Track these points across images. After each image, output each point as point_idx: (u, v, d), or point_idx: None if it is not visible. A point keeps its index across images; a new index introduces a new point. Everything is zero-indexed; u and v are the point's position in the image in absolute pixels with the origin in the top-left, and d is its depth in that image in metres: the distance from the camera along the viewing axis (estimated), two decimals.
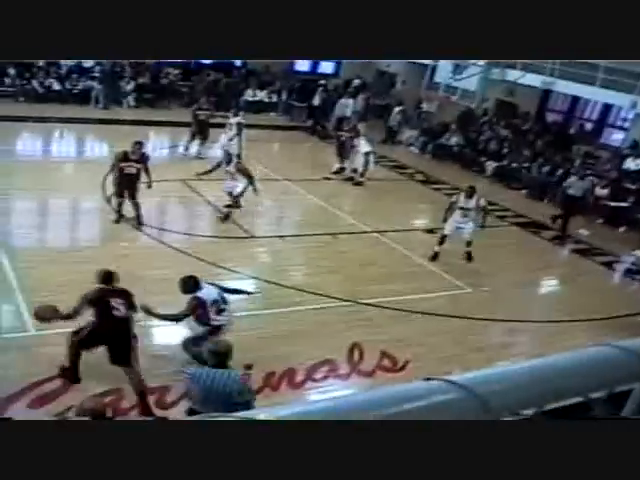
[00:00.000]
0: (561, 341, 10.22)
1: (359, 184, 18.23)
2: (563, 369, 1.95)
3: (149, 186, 13.12)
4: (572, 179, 16.70)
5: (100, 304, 7.72)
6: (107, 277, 7.93)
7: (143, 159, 13.22)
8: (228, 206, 14.04)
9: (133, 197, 13.12)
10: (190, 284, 8.30)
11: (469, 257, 13.46)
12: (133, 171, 13.01)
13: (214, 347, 6.33)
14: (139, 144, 13.27)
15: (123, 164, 12.95)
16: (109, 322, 7.71)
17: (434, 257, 13.43)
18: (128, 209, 13.22)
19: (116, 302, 7.75)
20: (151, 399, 7.87)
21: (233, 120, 18.06)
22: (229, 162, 15.10)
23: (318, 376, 8.92)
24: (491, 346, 10.28)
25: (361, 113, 24.87)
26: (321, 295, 11.14)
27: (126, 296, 7.90)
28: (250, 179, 14.21)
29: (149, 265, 11.48)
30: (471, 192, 13.43)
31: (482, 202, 13.54)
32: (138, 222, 13.14)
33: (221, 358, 6.22)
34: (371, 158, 18.40)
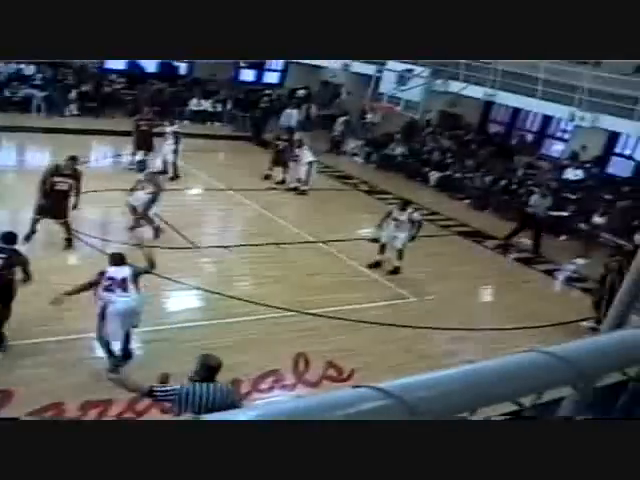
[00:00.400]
0: (506, 348, 10.34)
1: (303, 193, 18.26)
2: (491, 375, 1.98)
3: (75, 206, 12.40)
4: (535, 197, 16.60)
5: None
6: (6, 238, 8.85)
7: (77, 175, 12.45)
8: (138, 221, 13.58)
9: (63, 216, 12.29)
10: (112, 259, 8.84)
11: (394, 271, 13.48)
12: (65, 187, 12.20)
13: (205, 361, 6.17)
14: (73, 159, 12.56)
15: (55, 179, 12.15)
16: None
17: (375, 265, 13.52)
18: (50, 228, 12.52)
19: None
20: (94, 412, 7.74)
21: (169, 129, 17.93)
22: (142, 170, 14.83)
23: (264, 387, 8.87)
24: (437, 354, 10.36)
25: (302, 123, 24.95)
26: (266, 305, 11.10)
27: (9, 255, 8.68)
28: (158, 192, 13.74)
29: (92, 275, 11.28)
30: (403, 205, 13.65)
31: (416, 216, 13.72)
32: (69, 244, 12.42)
33: (212, 372, 6.12)
34: (314, 168, 18.46)
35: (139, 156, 18.27)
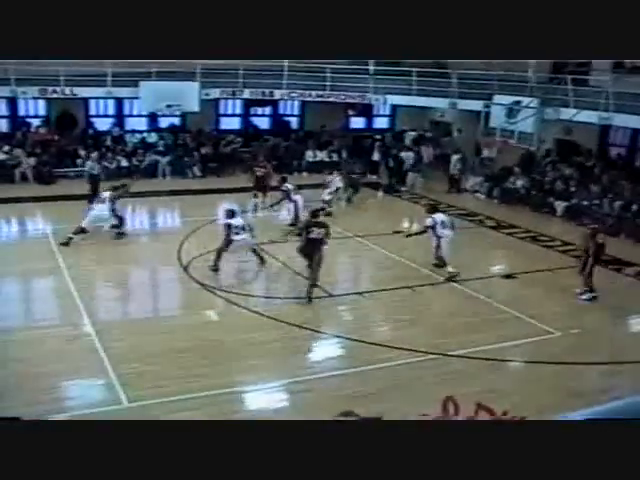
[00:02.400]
0: None
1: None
2: None
3: None
4: None
5: None
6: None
7: None
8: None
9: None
10: (227, 214, 14.86)
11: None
12: None
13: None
14: None
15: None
16: None
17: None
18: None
19: None
20: None
21: (283, 187, 18.20)
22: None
23: None
24: (589, 391, 9.88)
25: (412, 164, 25.02)
26: (408, 350, 11.00)
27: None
28: None
29: (234, 330, 11.56)
30: (431, 209, 15.33)
31: (429, 221, 14.69)
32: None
33: None
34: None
35: (260, 204, 19.44)
